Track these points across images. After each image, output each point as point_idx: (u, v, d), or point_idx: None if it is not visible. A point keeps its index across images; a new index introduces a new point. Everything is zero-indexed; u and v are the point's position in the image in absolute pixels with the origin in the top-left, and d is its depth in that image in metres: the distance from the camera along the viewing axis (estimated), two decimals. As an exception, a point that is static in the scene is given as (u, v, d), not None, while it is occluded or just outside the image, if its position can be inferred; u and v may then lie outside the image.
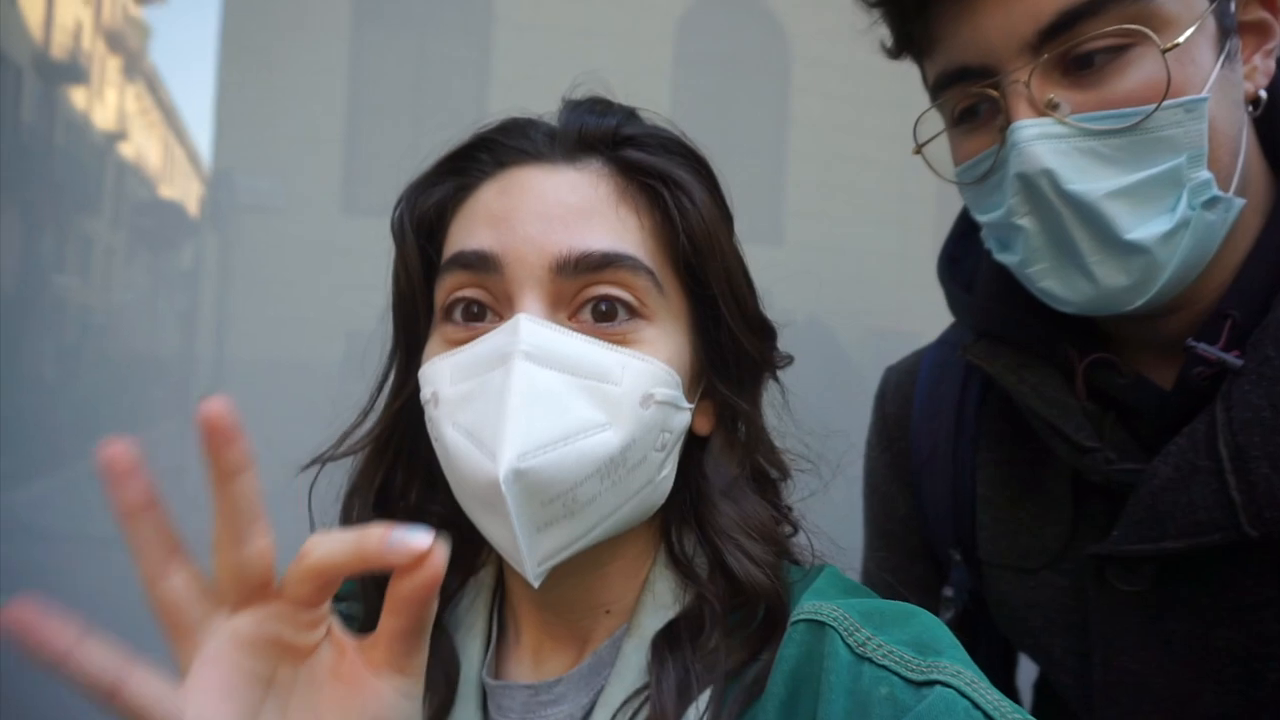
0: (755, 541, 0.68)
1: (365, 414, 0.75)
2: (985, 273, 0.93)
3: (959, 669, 0.58)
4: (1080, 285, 0.78)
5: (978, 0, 0.76)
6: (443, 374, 0.66)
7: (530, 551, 0.61)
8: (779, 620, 0.65)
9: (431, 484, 0.73)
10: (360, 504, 0.73)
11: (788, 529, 0.74)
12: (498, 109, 0.74)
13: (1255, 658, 0.78)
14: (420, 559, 0.46)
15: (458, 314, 0.67)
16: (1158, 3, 0.73)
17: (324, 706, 0.50)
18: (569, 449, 0.60)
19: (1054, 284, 0.80)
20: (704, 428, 0.72)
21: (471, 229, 0.68)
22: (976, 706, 0.56)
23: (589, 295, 0.65)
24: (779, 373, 0.77)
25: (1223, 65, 0.76)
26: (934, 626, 0.63)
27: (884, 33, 0.87)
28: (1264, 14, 0.82)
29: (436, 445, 0.66)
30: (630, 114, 0.73)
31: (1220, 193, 0.76)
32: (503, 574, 0.75)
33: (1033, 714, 0.59)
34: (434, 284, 0.70)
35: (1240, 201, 0.78)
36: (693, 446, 0.71)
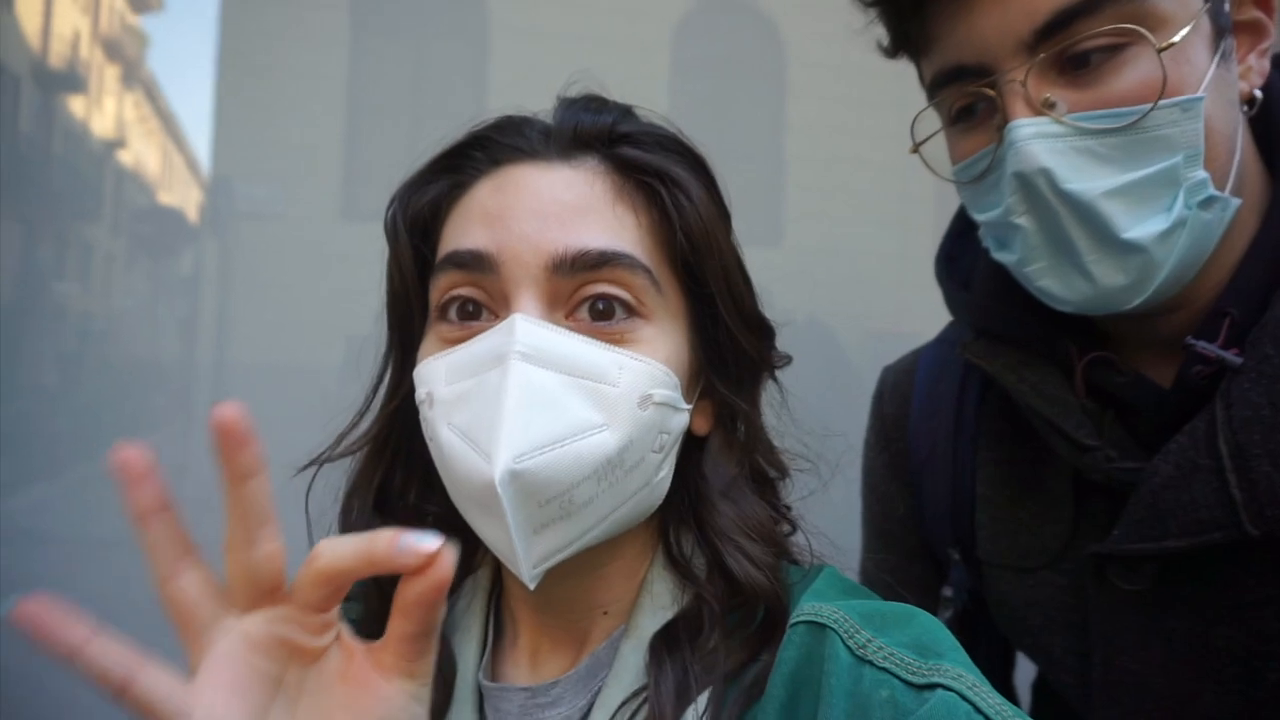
0: (754, 542, 0.68)
1: (361, 414, 0.75)
2: (983, 271, 0.93)
3: (960, 672, 0.58)
4: (1078, 284, 0.78)
5: None
6: (438, 374, 0.65)
7: (526, 553, 0.61)
8: (778, 621, 0.65)
9: (429, 484, 0.72)
10: (359, 505, 0.73)
11: (786, 528, 0.74)
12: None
13: (1256, 656, 0.78)
14: (429, 562, 0.47)
15: (453, 313, 0.67)
16: (1153, 2, 0.74)
17: (332, 709, 0.50)
18: (565, 450, 0.60)
19: (1052, 283, 0.80)
20: (702, 427, 0.72)
21: (466, 228, 0.68)
22: (978, 711, 0.56)
23: (586, 294, 0.65)
24: (778, 372, 0.77)
25: (1218, 65, 0.77)
26: (935, 628, 0.63)
27: (880, 32, 0.87)
28: (1258, 14, 0.82)
29: (431, 445, 0.66)
30: (626, 111, 0.73)
31: (1216, 192, 0.76)
32: (499, 575, 0.75)
33: (1032, 714, 0.59)
34: (428, 283, 0.70)
35: (1236, 201, 0.78)
36: (691, 446, 0.71)
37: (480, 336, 0.65)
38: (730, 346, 0.71)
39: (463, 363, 0.64)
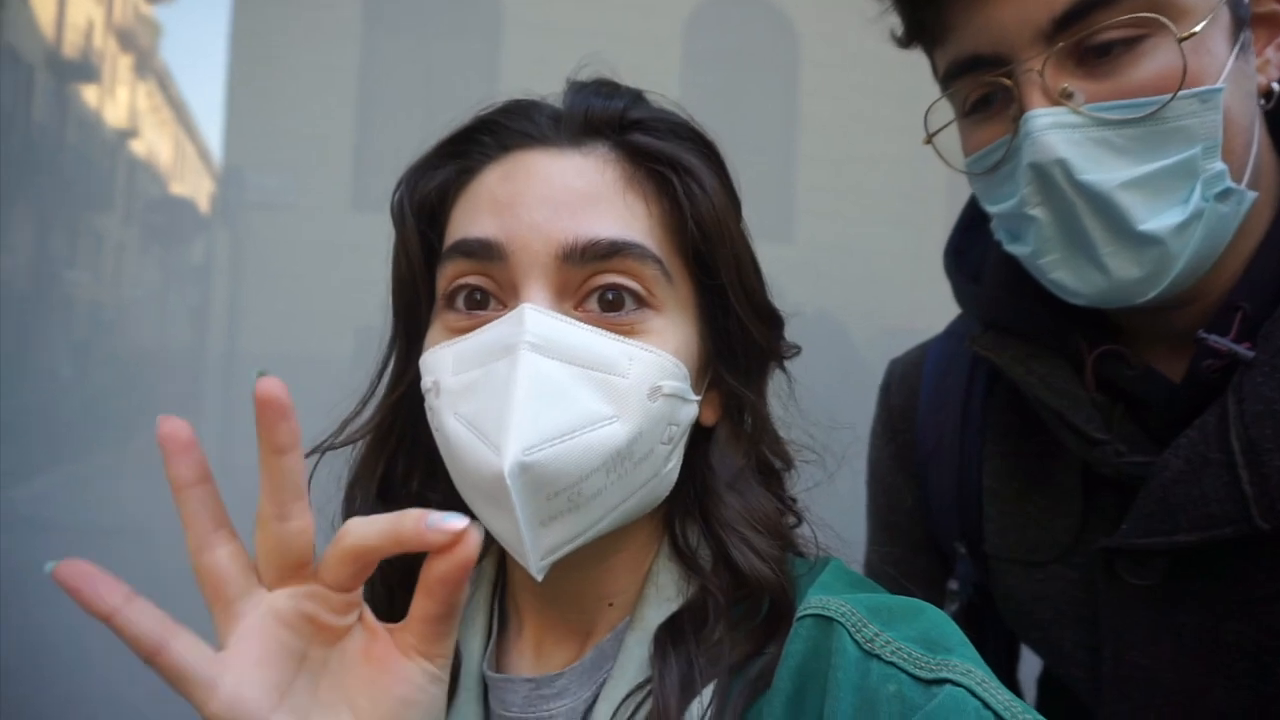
0: (760, 534, 0.68)
1: (365, 402, 0.74)
2: (993, 263, 0.92)
3: (969, 667, 0.58)
4: (1092, 277, 0.78)
5: None
6: (444, 363, 0.65)
7: (534, 546, 0.60)
8: (784, 614, 0.64)
9: (433, 473, 0.72)
10: (362, 494, 0.72)
11: (791, 520, 0.73)
12: (507, 107, 0.74)
13: (1266, 651, 0.77)
14: (455, 540, 0.48)
15: (460, 301, 0.66)
16: None
17: (354, 687, 0.51)
18: (575, 442, 0.59)
19: (1065, 275, 0.79)
20: (710, 418, 0.71)
21: (474, 215, 0.67)
22: (987, 706, 0.55)
23: (595, 284, 0.64)
24: (787, 363, 0.77)
25: (1237, 57, 0.76)
26: (943, 623, 0.62)
27: (894, 21, 0.87)
28: (1277, 7, 0.82)
29: (437, 435, 0.65)
30: (637, 96, 0.72)
31: (1234, 184, 0.75)
32: (504, 565, 0.75)
33: (1039, 707, 0.59)
34: (435, 269, 0.69)
35: (1253, 194, 0.77)
36: (698, 437, 0.70)
37: (488, 326, 0.64)
38: (740, 337, 0.70)
39: (470, 352, 0.63)
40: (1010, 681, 1.08)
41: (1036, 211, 0.77)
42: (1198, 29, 0.73)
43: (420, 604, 0.50)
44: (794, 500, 0.75)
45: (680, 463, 0.68)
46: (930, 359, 1.04)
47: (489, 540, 0.73)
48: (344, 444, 0.73)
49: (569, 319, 0.63)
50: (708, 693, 0.62)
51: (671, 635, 0.65)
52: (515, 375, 0.59)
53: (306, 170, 6.77)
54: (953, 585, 1.00)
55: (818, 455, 0.76)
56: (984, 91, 0.80)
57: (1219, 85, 0.74)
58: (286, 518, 0.49)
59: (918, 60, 0.89)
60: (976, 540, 0.97)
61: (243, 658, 0.48)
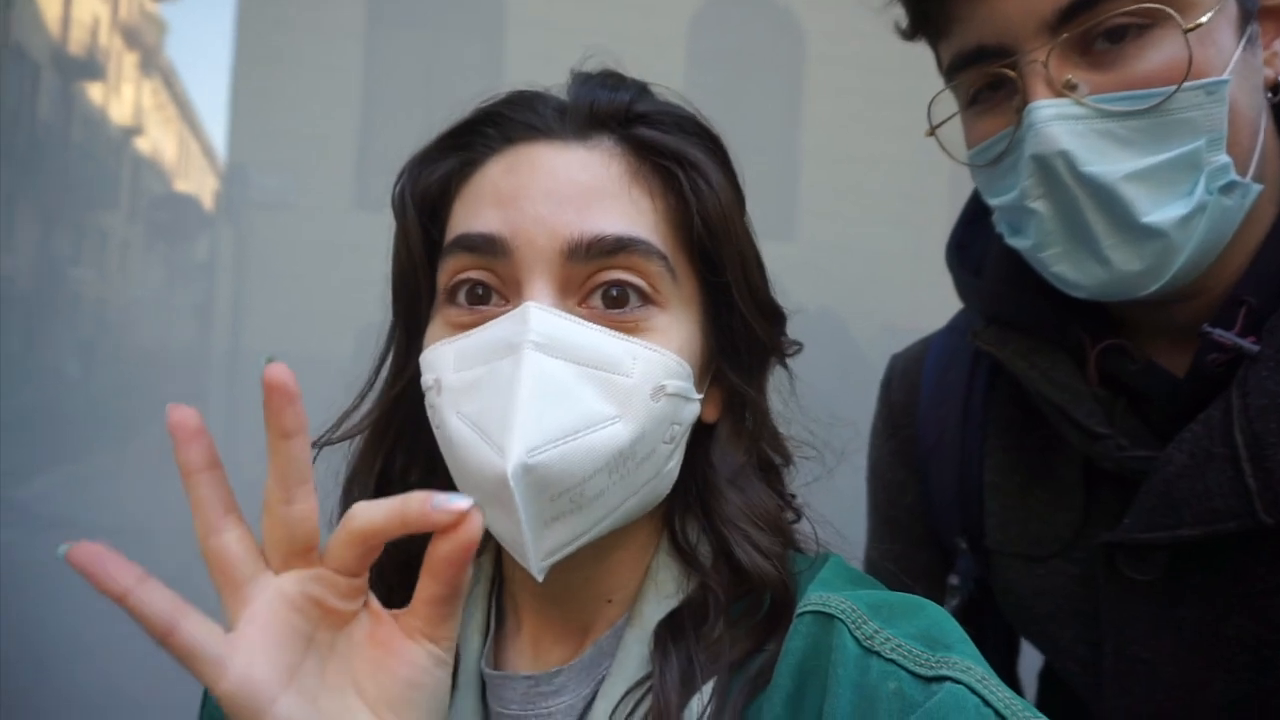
0: (762, 531, 0.67)
1: (363, 396, 0.73)
2: (995, 257, 0.92)
3: (969, 665, 0.57)
4: (1094, 270, 0.78)
5: None
6: (446, 360, 0.64)
7: (536, 547, 0.60)
8: (785, 610, 0.64)
9: (432, 469, 0.71)
10: (360, 490, 0.72)
11: (791, 516, 0.73)
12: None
13: (1266, 645, 0.77)
14: (460, 520, 0.49)
15: (462, 296, 0.65)
16: None
17: (360, 670, 0.52)
18: (578, 443, 0.59)
19: (1067, 268, 0.79)
20: (711, 415, 0.71)
21: (477, 209, 0.66)
22: (987, 704, 0.55)
23: (600, 280, 0.63)
24: (789, 360, 0.76)
25: (1243, 49, 0.76)
26: (943, 620, 0.62)
27: (898, 13, 0.86)
28: None
29: (438, 433, 0.65)
30: (643, 89, 0.71)
31: (1238, 177, 0.75)
32: (501, 562, 0.74)
33: (1038, 702, 0.59)
34: (435, 262, 0.68)
35: (1257, 187, 0.77)
36: (699, 433, 0.70)
37: (491, 323, 0.63)
38: (744, 334, 0.70)
39: (473, 349, 0.63)
40: (1010, 677, 1.08)
41: (1038, 204, 0.77)
42: (1204, 20, 0.72)
43: (425, 586, 0.51)
44: (794, 496, 0.75)
45: (681, 461, 0.68)
46: (932, 354, 1.04)
47: (487, 537, 0.73)
48: (341, 439, 0.73)
49: (573, 317, 0.62)
50: (707, 689, 0.62)
51: (671, 632, 0.65)
52: (519, 375, 0.59)
53: (310, 169, 6.78)
54: (953, 580, 1.00)
55: (817, 451, 0.75)
56: (987, 82, 0.80)
57: (1225, 77, 0.73)
58: (293, 501, 0.50)
59: (922, 61, 0.89)
60: (978, 535, 0.96)
61: (252, 639, 0.49)
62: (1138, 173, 0.74)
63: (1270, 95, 0.80)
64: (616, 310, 0.64)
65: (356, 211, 6.52)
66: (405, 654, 0.52)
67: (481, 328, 0.64)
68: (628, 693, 0.64)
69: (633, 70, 0.74)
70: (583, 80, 0.71)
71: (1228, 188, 0.75)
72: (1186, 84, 0.72)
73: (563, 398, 0.59)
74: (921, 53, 0.89)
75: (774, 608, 0.65)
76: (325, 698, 0.51)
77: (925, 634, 0.60)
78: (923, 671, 0.57)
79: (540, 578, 0.61)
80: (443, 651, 0.53)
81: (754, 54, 7.07)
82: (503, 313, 0.63)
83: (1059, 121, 0.74)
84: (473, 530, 0.50)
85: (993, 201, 0.84)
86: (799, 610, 0.64)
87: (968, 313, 1.01)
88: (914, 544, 1.05)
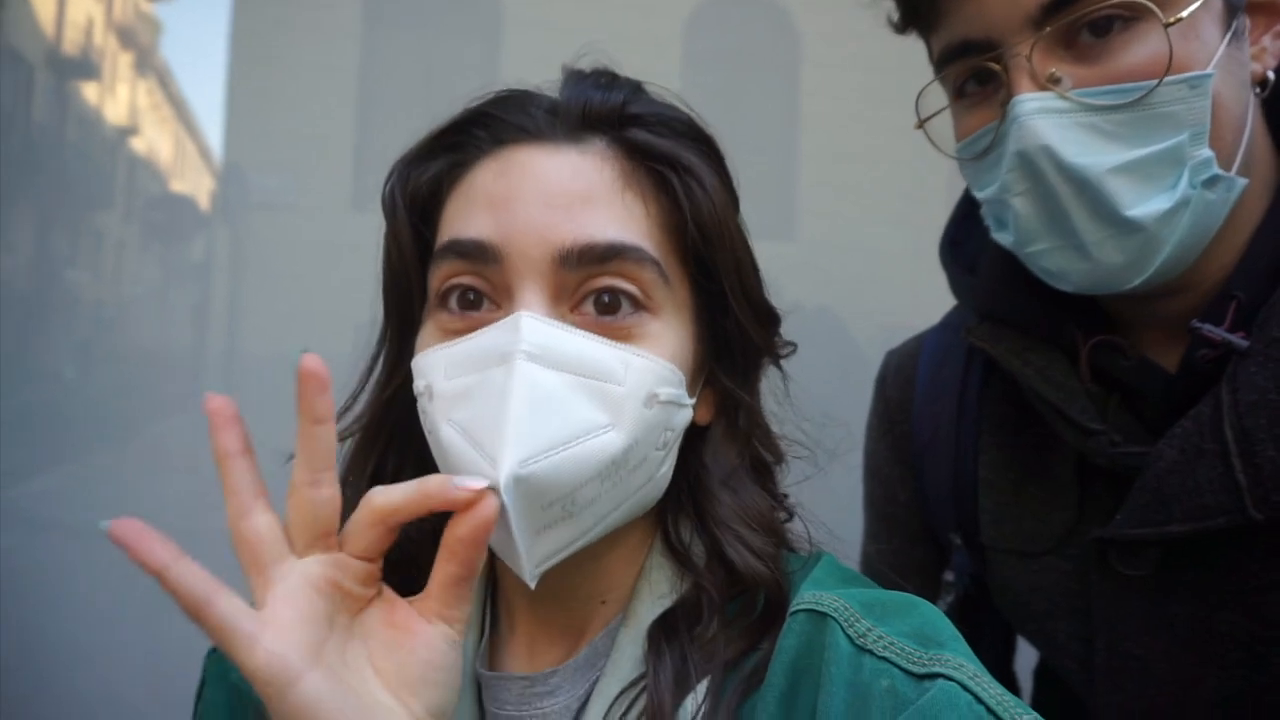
0: (755, 532, 0.67)
1: (355, 397, 0.73)
2: (989, 255, 0.92)
3: (961, 662, 0.57)
4: (1077, 263, 0.78)
5: None
6: (437, 367, 0.63)
7: (528, 555, 0.59)
8: (779, 610, 0.64)
9: (423, 471, 0.70)
10: (353, 492, 0.71)
11: (783, 515, 0.73)
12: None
13: (1259, 641, 0.77)
14: (478, 497, 0.52)
15: (453, 302, 0.64)
16: None
17: (377, 653, 0.54)
18: (570, 452, 0.58)
19: (1050, 262, 0.79)
20: (704, 417, 0.71)
21: (468, 214, 0.65)
22: (979, 700, 0.55)
23: (592, 287, 0.63)
24: (785, 360, 0.76)
25: (1229, 43, 0.75)
26: (935, 618, 0.62)
27: (890, 7, 0.87)
28: None
29: (430, 439, 0.64)
30: (636, 88, 0.70)
31: (1221, 171, 0.75)
32: (495, 563, 0.74)
33: (1034, 699, 0.59)
34: (426, 263, 0.67)
35: (1242, 181, 0.77)
36: (692, 435, 0.70)
37: (483, 331, 0.62)
38: (738, 336, 0.70)
39: (464, 357, 0.62)
40: (1006, 673, 1.08)
41: (1017, 199, 0.77)
42: (1185, 14, 0.72)
43: (442, 568, 0.54)
44: (786, 495, 0.75)
45: (673, 465, 0.68)
46: (926, 351, 1.04)
47: None
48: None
49: (565, 326, 0.62)
50: (702, 689, 0.62)
51: (665, 632, 0.65)
52: (511, 385, 0.58)
53: (306, 169, 6.77)
54: (949, 576, 1.00)
55: (810, 451, 0.75)
56: (974, 76, 0.80)
57: (1208, 71, 0.73)
58: (319, 485, 0.53)
59: (919, 60, 0.89)
60: (972, 531, 0.96)
61: (281, 617, 0.50)
62: (1121, 166, 0.74)
63: (1258, 90, 0.80)
64: (609, 317, 0.63)
65: (353, 211, 6.52)
66: (423, 635, 0.54)
67: (473, 335, 0.63)
68: (622, 692, 0.64)
69: (630, 70, 0.73)
70: (576, 79, 0.70)
71: (1211, 182, 0.75)
72: (1168, 78, 0.72)
73: (555, 408, 0.59)
74: (921, 51, 0.89)
75: (768, 607, 0.65)
76: (348, 676, 0.52)
77: (918, 632, 0.60)
78: (915, 669, 0.57)
79: (532, 584, 0.61)
80: (456, 633, 0.55)
81: (751, 54, 7.08)
82: (494, 319, 0.63)
83: (1042, 115, 0.74)
84: (489, 510, 0.52)
85: (979, 195, 0.84)
86: (792, 609, 0.63)
87: (962, 310, 1.01)
88: (909, 540, 1.05)
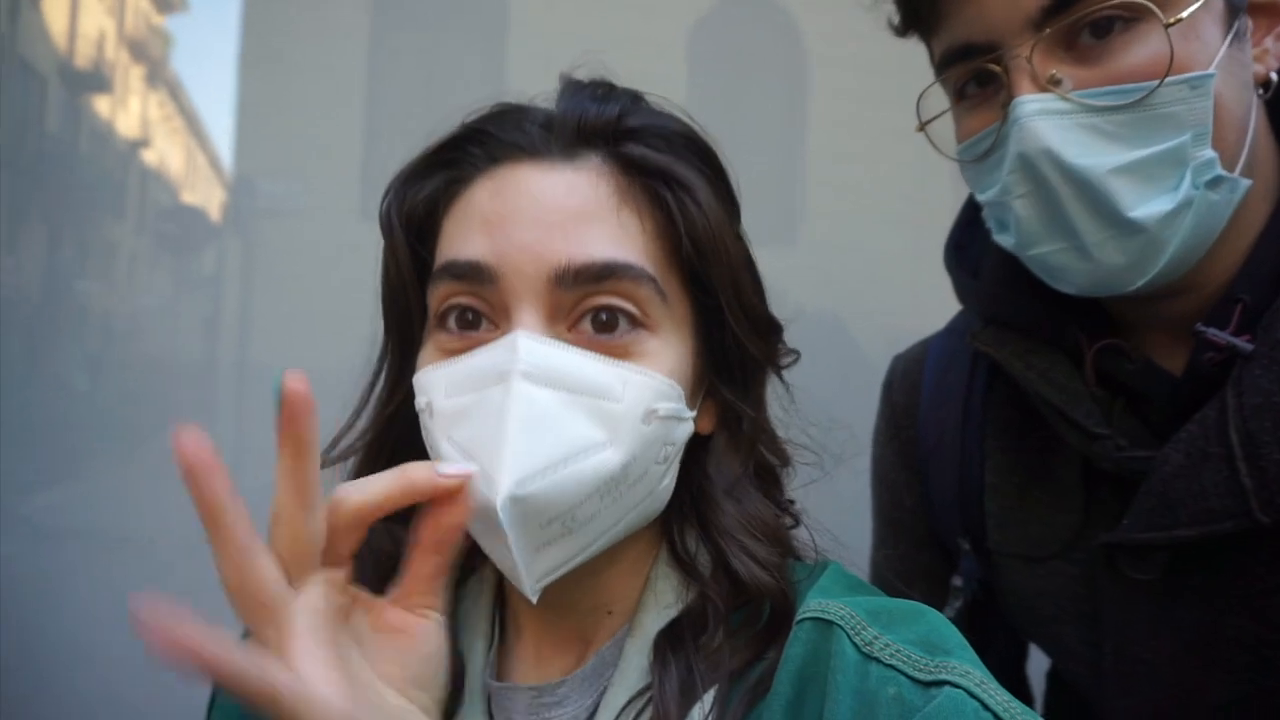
0: (759, 542, 0.67)
1: (357, 414, 0.73)
2: (993, 258, 0.92)
3: (968, 669, 0.57)
4: (1078, 264, 0.78)
5: None
6: (437, 385, 0.64)
7: (529, 571, 0.60)
8: (785, 619, 0.64)
9: None
10: None
11: (788, 522, 0.73)
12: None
13: (1265, 645, 0.77)
14: (462, 486, 0.51)
15: (451, 322, 0.65)
16: None
17: (379, 658, 0.53)
18: (568, 471, 0.58)
19: (1052, 263, 0.79)
20: (706, 427, 0.70)
21: (465, 234, 0.65)
22: (986, 708, 0.55)
23: (589, 305, 0.63)
24: (787, 368, 0.76)
25: (1231, 44, 0.75)
26: (942, 626, 0.62)
27: (891, 10, 0.87)
28: None
29: (432, 455, 0.64)
30: (634, 99, 0.70)
31: (1225, 172, 0.75)
32: (502, 574, 0.74)
33: (1046, 703, 0.59)
34: (425, 281, 0.68)
35: (1245, 182, 0.77)
36: (694, 445, 0.70)
37: (481, 350, 0.63)
38: (736, 350, 0.70)
39: (462, 376, 0.63)
40: (1019, 677, 1.08)
41: (1020, 198, 0.77)
42: (1185, 14, 0.72)
43: (425, 561, 0.53)
44: (792, 502, 0.75)
45: (675, 477, 0.68)
46: (932, 355, 1.04)
47: None
48: (339, 459, 0.72)
49: (562, 345, 0.62)
50: (708, 699, 0.62)
51: (671, 642, 0.65)
52: (508, 404, 0.58)
53: (315, 177, 6.83)
54: (956, 582, 0.99)
55: (816, 456, 0.75)
56: (975, 78, 0.80)
57: (1209, 72, 0.73)
58: (310, 509, 0.50)
59: (922, 64, 0.89)
60: (979, 536, 0.96)
61: (313, 662, 0.46)
62: (1123, 167, 0.74)
63: (1261, 91, 0.80)
64: (606, 335, 0.63)
65: (362, 218, 6.55)
66: (420, 630, 0.54)
67: (471, 354, 0.63)
68: (629, 702, 0.64)
69: (635, 74, 0.73)
70: (573, 90, 0.70)
71: (1214, 183, 0.75)
72: (1169, 79, 0.72)
73: (552, 426, 0.59)
74: (922, 59, 0.89)
75: (774, 616, 0.65)
76: (374, 695, 0.51)
77: (924, 639, 0.60)
78: (922, 676, 0.57)
79: (534, 599, 0.61)
80: (441, 614, 0.55)
81: (756, 58, 7.10)
82: (493, 338, 0.63)
83: (1043, 116, 0.74)
84: (469, 500, 0.52)
85: (980, 197, 0.84)
86: (798, 617, 0.63)
87: (966, 314, 1.01)
88: (916, 545, 1.04)
